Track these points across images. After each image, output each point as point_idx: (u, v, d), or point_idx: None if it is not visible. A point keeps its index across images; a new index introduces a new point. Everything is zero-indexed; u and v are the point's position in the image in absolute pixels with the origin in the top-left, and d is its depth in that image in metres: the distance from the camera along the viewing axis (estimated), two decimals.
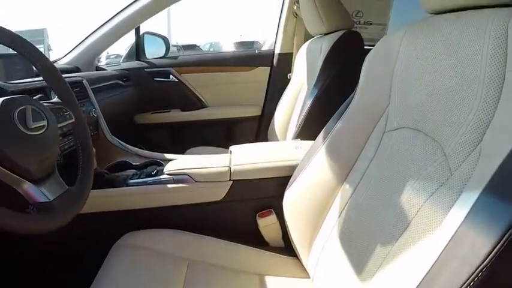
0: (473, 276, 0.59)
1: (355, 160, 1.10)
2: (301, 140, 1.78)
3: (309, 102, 1.86)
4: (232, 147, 1.67)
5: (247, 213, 1.47)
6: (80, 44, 2.51)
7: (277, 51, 2.93)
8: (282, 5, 2.86)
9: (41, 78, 1.19)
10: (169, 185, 1.42)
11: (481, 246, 0.59)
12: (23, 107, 0.90)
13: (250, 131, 2.97)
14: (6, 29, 1.00)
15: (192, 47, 16.40)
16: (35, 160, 0.90)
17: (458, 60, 0.79)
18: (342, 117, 1.17)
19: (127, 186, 1.46)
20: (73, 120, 1.16)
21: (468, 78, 0.76)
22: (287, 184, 1.32)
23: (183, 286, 1.12)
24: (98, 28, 2.52)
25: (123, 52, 3.22)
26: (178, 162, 1.51)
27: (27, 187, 0.88)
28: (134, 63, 2.90)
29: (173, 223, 1.41)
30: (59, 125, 1.09)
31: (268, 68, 2.94)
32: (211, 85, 2.94)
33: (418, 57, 0.92)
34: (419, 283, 0.69)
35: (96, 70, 2.58)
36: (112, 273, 1.13)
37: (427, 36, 0.90)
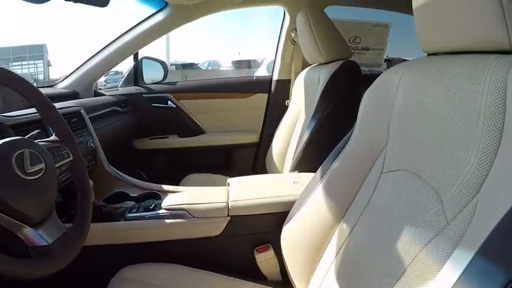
0: None
1: (352, 199, 1.10)
2: (299, 172, 1.79)
3: (306, 134, 1.86)
4: (230, 180, 1.67)
5: (244, 248, 1.46)
6: (78, 68, 2.53)
7: (275, 77, 2.94)
8: (280, 32, 2.87)
9: None
10: (167, 220, 1.42)
11: None
12: (20, 150, 0.89)
13: (248, 157, 2.96)
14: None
15: (191, 65, 16.35)
16: (33, 204, 0.90)
17: (457, 108, 0.78)
18: (339, 155, 1.17)
19: (125, 220, 1.46)
20: (71, 158, 1.16)
21: (466, 127, 0.75)
22: (285, 220, 1.31)
23: None
24: (97, 53, 2.54)
25: (122, 69, 3.22)
26: (176, 197, 1.51)
27: (27, 231, 0.88)
28: (132, 89, 2.91)
29: (171, 257, 1.40)
30: (57, 165, 1.09)
31: (266, 95, 2.94)
32: (210, 111, 2.95)
33: (416, 99, 0.91)
34: None
35: (95, 95, 2.59)
36: None
37: (425, 79, 0.90)
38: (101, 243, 1.41)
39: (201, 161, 2.91)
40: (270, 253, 1.45)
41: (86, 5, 1.35)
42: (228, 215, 1.42)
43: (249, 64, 14.88)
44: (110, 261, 1.34)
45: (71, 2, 1.31)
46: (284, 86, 2.88)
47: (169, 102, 2.87)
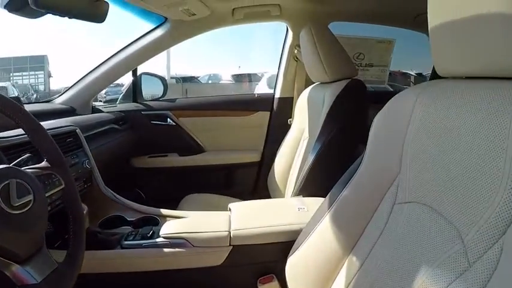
0: None
1: (363, 230, 1.03)
2: (303, 196, 1.72)
3: (311, 157, 1.79)
4: (231, 205, 1.61)
5: (247, 279, 1.41)
6: (76, 83, 2.50)
7: (277, 95, 2.88)
8: (283, 48, 2.82)
9: None
10: (165, 249, 1.36)
11: None
12: (6, 181, 0.83)
13: (249, 177, 2.89)
14: None
15: (191, 78, 16.43)
16: (21, 240, 0.84)
17: (480, 140, 0.71)
18: (349, 183, 1.10)
19: (121, 247, 1.40)
20: (62, 186, 1.09)
21: (491, 162, 0.68)
22: (290, 249, 1.24)
23: None
24: (95, 68, 2.51)
25: (123, 81, 3.18)
26: (175, 224, 1.46)
27: (15, 269, 0.82)
28: (131, 105, 2.86)
29: None
30: (47, 194, 1.03)
31: (268, 113, 2.88)
32: (210, 129, 2.89)
33: (433, 127, 0.84)
34: None
35: (93, 111, 2.55)
36: None
37: (443, 105, 0.82)
38: (96, 272, 1.36)
39: (201, 181, 2.84)
40: (274, 284, 1.39)
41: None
42: (230, 245, 1.36)
43: (249, 78, 14.93)
44: None
45: (66, 18, 1.27)
46: (286, 104, 2.83)
47: (168, 119, 2.81)
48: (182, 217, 1.62)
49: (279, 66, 2.86)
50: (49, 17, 1.26)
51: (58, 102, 2.44)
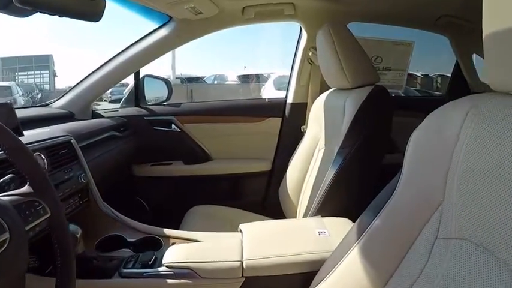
0: None
1: (398, 265, 0.88)
2: (322, 216, 1.56)
3: (332, 172, 1.61)
4: (242, 227, 1.45)
5: None
6: (75, 86, 2.39)
7: (289, 100, 2.70)
8: (296, 51, 2.65)
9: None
10: (169, 280, 1.21)
11: None
12: None
13: (259, 187, 2.71)
14: None
15: (197, 79, 16.51)
16: None
17: None
18: (382, 210, 0.93)
19: (120, 276, 1.26)
20: (48, 215, 0.93)
21: None
22: (310, 282, 1.09)
23: None
24: (95, 70, 2.39)
25: (127, 81, 3.06)
26: (179, 250, 1.30)
27: None
28: (133, 110, 2.71)
29: None
30: (29, 226, 0.87)
31: (280, 119, 2.70)
32: (218, 136, 2.72)
33: (488, 151, 0.69)
34: None
35: (93, 116, 2.44)
36: None
37: (503, 127, 0.67)
38: None
39: (207, 191, 2.67)
40: None
41: None
42: (242, 276, 1.21)
43: (255, 79, 14.92)
44: None
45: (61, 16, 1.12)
46: (299, 110, 2.65)
47: (173, 125, 2.66)
48: (188, 239, 1.47)
49: (292, 70, 2.69)
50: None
51: (56, 106, 2.32)
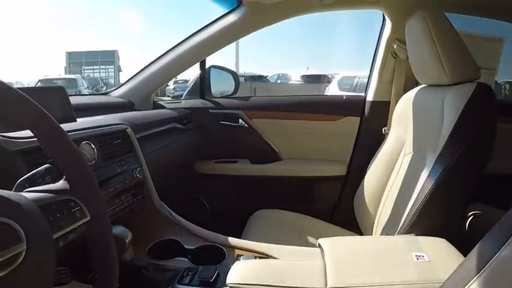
0: None
1: None
2: (416, 234, 1.31)
3: (429, 183, 1.35)
4: (322, 242, 1.20)
5: None
6: (135, 75, 2.29)
7: (369, 98, 2.43)
8: (378, 42, 2.40)
9: None
10: None
11: None
12: None
13: (331, 193, 2.46)
14: None
15: (260, 77, 16.68)
16: None
17: None
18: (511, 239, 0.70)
19: None
20: (87, 219, 0.74)
21: None
22: None
23: None
24: (158, 58, 2.28)
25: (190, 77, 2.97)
26: (248, 269, 1.08)
27: None
28: (197, 102, 2.58)
29: None
30: (60, 233, 0.67)
31: (358, 119, 2.43)
32: (288, 134, 2.50)
33: None
34: None
35: (154, 107, 2.35)
36: None
37: None
38: None
39: (274, 193, 2.46)
40: None
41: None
42: None
43: (319, 79, 14.86)
44: None
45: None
46: (381, 110, 2.36)
47: (240, 120, 2.47)
48: (257, 252, 1.29)
49: (372, 64, 2.44)
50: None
51: (115, 95, 2.22)
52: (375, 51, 2.43)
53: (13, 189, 0.71)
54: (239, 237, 1.56)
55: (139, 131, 1.61)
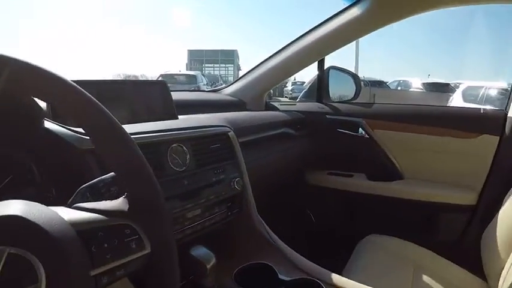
0: None
1: None
2: None
3: None
4: None
5: None
6: (247, 73, 2.21)
7: (511, 114, 2.01)
8: None
9: None
10: None
11: None
12: None
13: (455, 225, 2.11)
14: None
15: (380, 83, 16.51)
16: None
17: None
18: None
19: None
20: (146, 252, 0.57)
21: None
22: None
23: None
24: (271, 56, 2.17)
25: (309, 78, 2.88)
26: None
27: None
28: (313, 106, 2.42)
29: None
30: (102, 269, 0.51)
31: (497, 138, 2.02)
32: (414, 150, 2.21)
33: None
34: None
35: (266, 108, 2.23)
36: None
37: None
38: None
39: (390, 217, 2.19)
40: None
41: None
42: None
43: (441, 88, 14.41)
44: None
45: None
46: None
47: (360, 129, 2.23)
48: None
49: None
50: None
51: (226, 93, 2.14)
52: None
53: (71, 198, 0.58)
54: (345, 263, 1.43)
55: (243, 135, 1.51)
